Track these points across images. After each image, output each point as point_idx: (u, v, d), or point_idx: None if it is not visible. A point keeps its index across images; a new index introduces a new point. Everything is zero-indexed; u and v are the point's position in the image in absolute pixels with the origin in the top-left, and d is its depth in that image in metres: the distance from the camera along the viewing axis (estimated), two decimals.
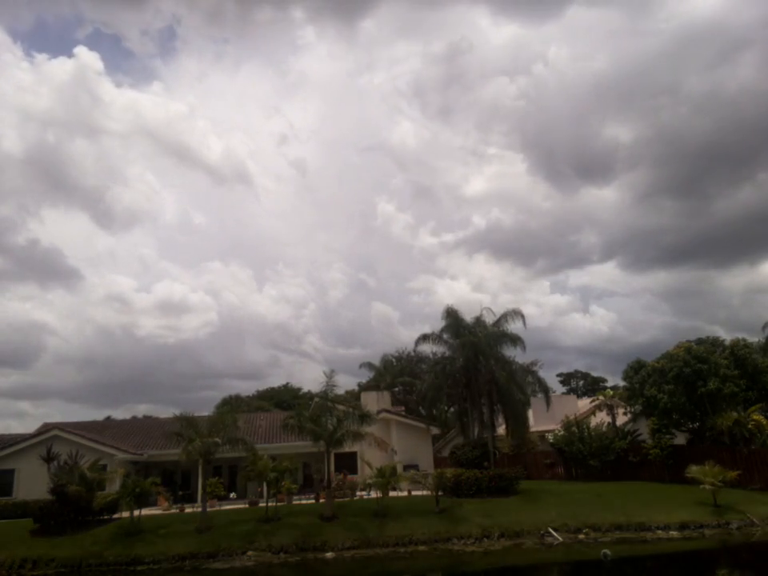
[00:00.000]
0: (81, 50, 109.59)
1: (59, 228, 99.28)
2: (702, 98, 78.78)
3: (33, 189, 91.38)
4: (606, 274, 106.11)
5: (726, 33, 74.18)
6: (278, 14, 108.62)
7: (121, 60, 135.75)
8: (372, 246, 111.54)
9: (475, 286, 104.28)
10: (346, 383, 59.88)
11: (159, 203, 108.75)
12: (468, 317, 27.87)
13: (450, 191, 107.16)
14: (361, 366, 51.65)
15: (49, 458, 22.11)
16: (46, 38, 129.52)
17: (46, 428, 28.24)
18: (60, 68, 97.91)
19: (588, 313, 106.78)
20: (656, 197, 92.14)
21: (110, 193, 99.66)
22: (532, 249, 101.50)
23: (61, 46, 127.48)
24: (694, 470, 21.15)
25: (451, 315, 27.65)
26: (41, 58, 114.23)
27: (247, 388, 70.84)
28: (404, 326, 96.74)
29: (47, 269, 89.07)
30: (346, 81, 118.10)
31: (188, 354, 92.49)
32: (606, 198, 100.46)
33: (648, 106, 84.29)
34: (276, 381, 73.91)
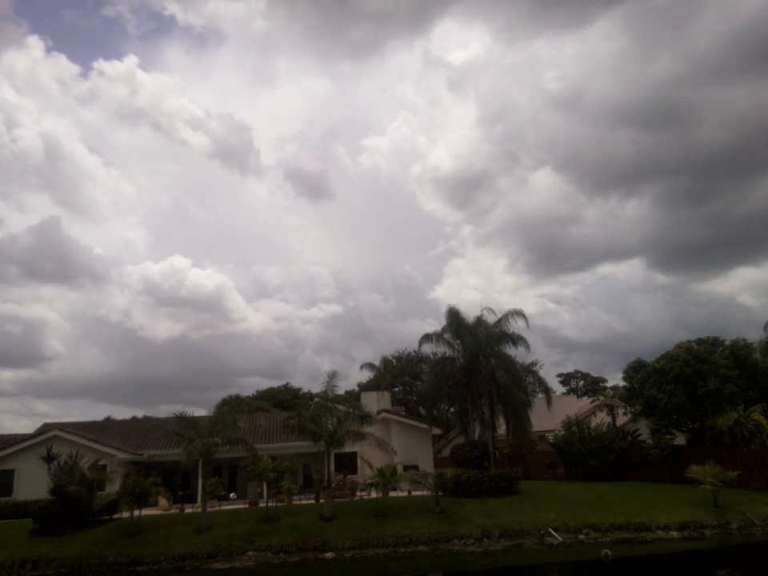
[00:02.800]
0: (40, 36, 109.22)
1: (67, 224, 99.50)
2: (725, 112, 78.87)
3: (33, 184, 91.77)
4: (627, 273, 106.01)
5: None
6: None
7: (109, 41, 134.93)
8: (383, 241, 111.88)
9: (492, 285, 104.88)
10: (356, 380, 59.41)
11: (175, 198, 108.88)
12: (470, 316, 27.92)
13: (460, 180, 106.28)
14: (362, 366, 51.71)
15: (49, 459, 22.10)
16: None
17: (46, 428, 28.21)
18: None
19: (606, 312, 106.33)
20: (679, 202, 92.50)
21: (118, 185, 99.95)
22: (552, 247, 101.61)
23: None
24: (694, 470, 21.12)
25: (453, 315, 27.62)
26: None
27: (270, 386, 70.51)
28: (418, 322, 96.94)
29: (61, 265, 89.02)
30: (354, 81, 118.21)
31: (211, 352, 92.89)
32: (631, 203, 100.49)
33: (675, 120, 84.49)
34: (299, 378, 73.96)
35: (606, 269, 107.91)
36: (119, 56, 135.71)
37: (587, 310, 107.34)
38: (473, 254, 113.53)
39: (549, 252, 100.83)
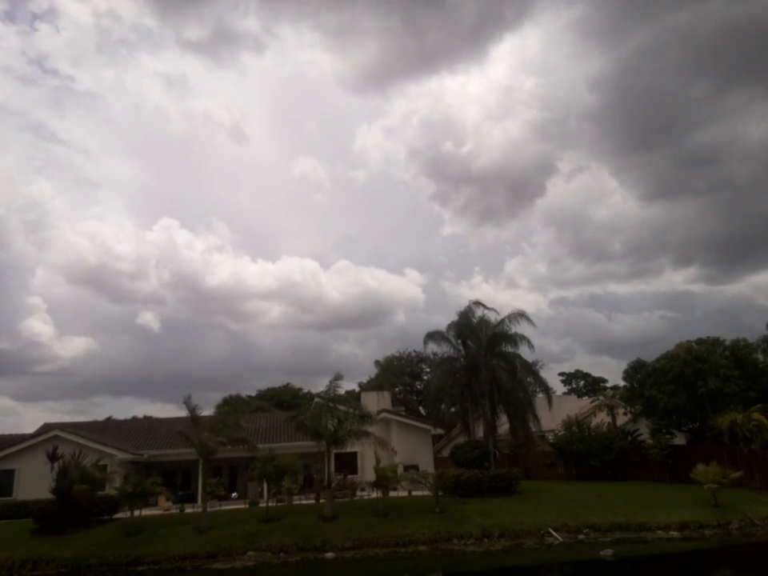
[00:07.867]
0: None
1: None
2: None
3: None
4: (671, 276, 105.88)
5: None
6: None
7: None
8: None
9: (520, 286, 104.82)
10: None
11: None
12: (475, 316, 27.89)
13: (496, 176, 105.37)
14: (376, 362, 52.27)
15: (54, 458, 22.11)
16: None
17: (46, 428, 28.24)
18: None
19: (650, 314, 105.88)
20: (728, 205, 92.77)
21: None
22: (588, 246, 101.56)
23: None
24: (697, 470, 21.08)
25: (464, 313, 27.54)
26: None
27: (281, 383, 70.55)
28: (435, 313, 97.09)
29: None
30: None
31: (245, 347, 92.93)
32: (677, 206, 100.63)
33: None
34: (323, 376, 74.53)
35: (649, 271, 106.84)
36: None
37: (625, 312, 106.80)
38: (495, 252, 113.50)
39: (589, 253, 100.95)
